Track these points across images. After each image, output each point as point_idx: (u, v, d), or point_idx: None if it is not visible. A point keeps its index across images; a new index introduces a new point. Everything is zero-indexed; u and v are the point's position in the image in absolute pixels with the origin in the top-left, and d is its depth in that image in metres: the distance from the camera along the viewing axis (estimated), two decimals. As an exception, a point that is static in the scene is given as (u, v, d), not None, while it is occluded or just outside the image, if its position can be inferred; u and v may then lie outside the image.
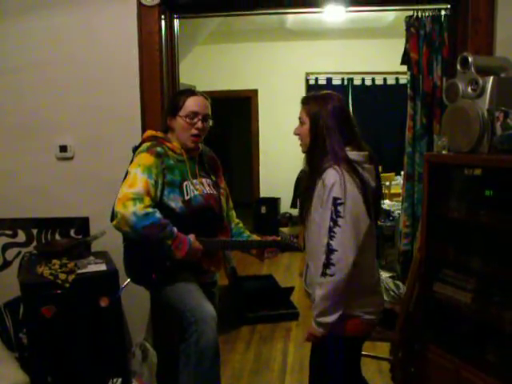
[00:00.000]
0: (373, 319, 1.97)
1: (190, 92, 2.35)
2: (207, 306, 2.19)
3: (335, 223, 1.79)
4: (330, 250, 1.79)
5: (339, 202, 1.80)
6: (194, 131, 2.29)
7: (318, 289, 1.84)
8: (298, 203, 2.06)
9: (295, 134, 2.04)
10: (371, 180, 1.93)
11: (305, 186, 2.00)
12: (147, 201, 2.09)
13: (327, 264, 1.79)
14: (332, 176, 1.84)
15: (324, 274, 1.80)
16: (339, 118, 1.94)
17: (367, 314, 1.95)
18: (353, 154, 1.91)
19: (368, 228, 1.86)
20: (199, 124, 2.28)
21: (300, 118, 2.01)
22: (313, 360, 2.10)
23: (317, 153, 1.94)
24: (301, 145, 2.04)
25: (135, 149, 2.32)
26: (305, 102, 2.02)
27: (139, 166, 2.16)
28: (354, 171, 1.86)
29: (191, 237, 2.17)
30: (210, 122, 2.36)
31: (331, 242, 1.79)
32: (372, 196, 1.91)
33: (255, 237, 2.52)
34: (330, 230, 1.80)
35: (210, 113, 2.34)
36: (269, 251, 2.40)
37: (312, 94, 2.05)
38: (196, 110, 2.28)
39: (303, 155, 2.08)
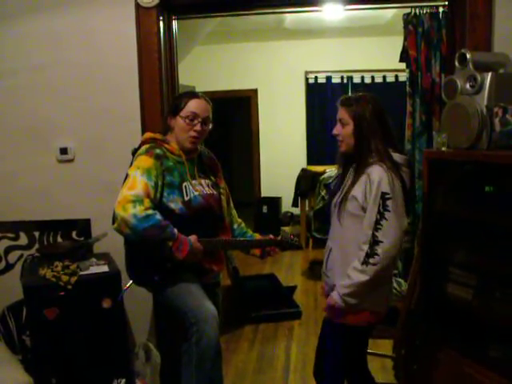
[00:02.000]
0: (381, 312, 2.09)
1: (193, 94, 2.37)
2: (208, 306, 2.19)
3: (382, 216, 1.90)
4: (374, 241, 1.90)
5: (388, 196, 1.91)
6: (193, 133, 2.29)
7: (357, 273, 1.93)
8: (337, 193, 2.14)
9: (334, 134, 2.11)
10: (407, 183, 2.03)
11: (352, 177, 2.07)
12: (147, 203, 2.10)
13: (371, 254, 1.91)
14: (378, 171, 1.94)
15: (366, 263, 1.91)
16: (381, 119, 2.03)
17: (377, 306, 2.05)
18: (395, 156, 2.01)
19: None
20: (198, 127, 2.29)
21: (341, 119, 2.07)
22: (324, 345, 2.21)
23: (363, 152, 2.02)
24: (341, 145, 2.10)
25: (135, 151, 2.33)
26: (346, 103, 2.07)
27: (138, 168, 2.17)
28: (396, 170, 1.97)
29: (192, 238, 2.17)
30: (210, 126, 2.37)
31: (376, 233, 1.90)
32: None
33: (257, 236, 2.53)
34: (377, 222, 1.91)
35: (210, 116, 2.35)
36: (269, 250, 2.43)
37: (352, 96, 2.12)
38: (196, 112, 2.29)
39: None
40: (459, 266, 2.46)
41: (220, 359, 2.22)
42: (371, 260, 1.90)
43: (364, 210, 1.97)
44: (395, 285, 3.32)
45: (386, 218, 1.90)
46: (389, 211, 1.90)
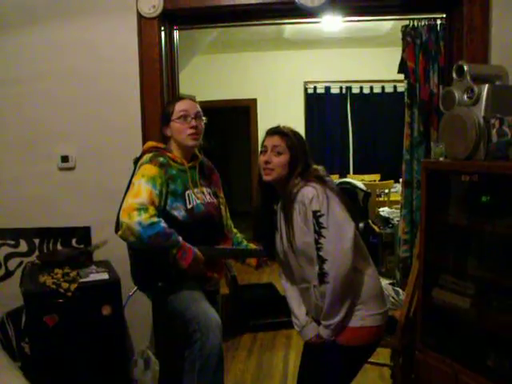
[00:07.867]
0: (375, 326, 2.00)
1: (178, 98, 2.52)
2: (212, 313, 2.21)
3: (320, 235, 1.90)
4: (321, 261, 1.91)
5: (319, 214, 1.90)
6: (190, 130, 2.36)
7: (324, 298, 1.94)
8: (281, 235, 2.08)
9: (265, 161, 2.03)
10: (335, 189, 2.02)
11: (284, 215, 2.02)
12: (152, 210, 2.13)
13: (322, 274, 1.91)
14: (309, 192, 1.93)
15: (323, 282, 1.92)
16: (306, 147, 2.09)
17: (370, 321, 1.98)
18: (319, 169, 2.05)
19: (355, 230, 1.94)
20: (193, 122, 2.36)
21: (276, 147, 2.02)
22: (310, 369, 2.16)
23: (290, 179, 2.01)
24: (270, 173, 2.04)
25: (137, 160, 2.36)
26: (281, 133, 2.05)
27: (143, 176, 2.20)
28: (324, 182, 1.97)
29: (195, 248, 2.20)
30: (204, 119, 2.45)
31: (320, 253, 1.91)
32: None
33: (252, 246, 2.56)
34: (317, 242, 1.91)
35: (200, 111, 2.44)
36: (266, 259, 2.46)
37: (284, 127, 2.09)
38: (186, 109, 2.37)
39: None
40: (457, 275, 2.48)
41: (222, 367, 2.23)
42: (325, 279, 1.90)
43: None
44: (393, 294, 3.34)
45: (323, 236, 1.89)
46: (324, 228, 1.89)
